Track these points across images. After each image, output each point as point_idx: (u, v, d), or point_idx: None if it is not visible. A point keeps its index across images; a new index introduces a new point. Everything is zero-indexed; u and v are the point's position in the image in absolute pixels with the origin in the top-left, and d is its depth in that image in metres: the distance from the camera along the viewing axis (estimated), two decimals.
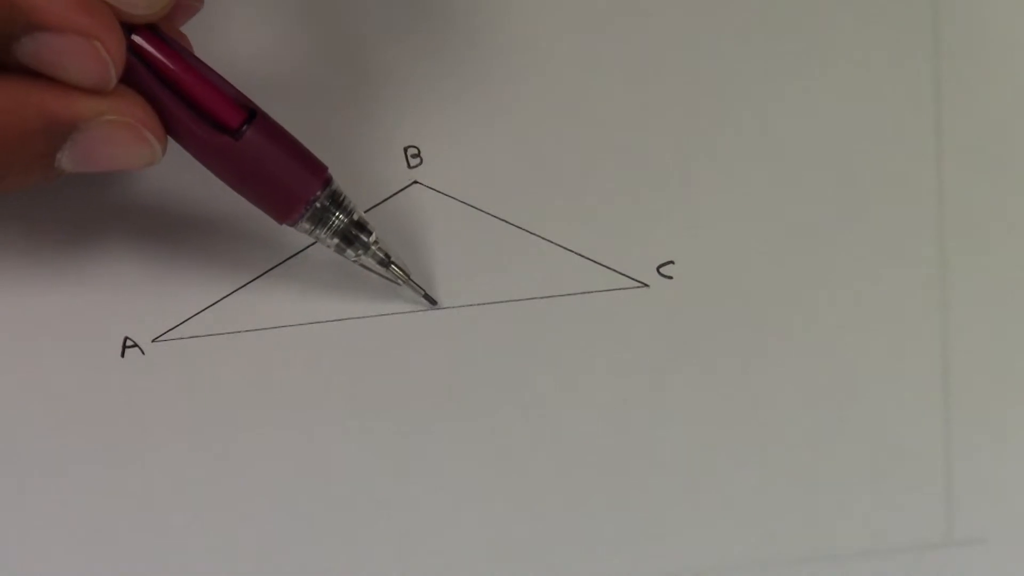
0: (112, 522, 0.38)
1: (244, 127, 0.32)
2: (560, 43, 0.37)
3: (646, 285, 0.39)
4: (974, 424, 0.40)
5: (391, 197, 0.38)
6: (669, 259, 0.39)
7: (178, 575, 0.38)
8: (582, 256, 0.38)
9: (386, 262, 0.36)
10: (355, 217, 0.35)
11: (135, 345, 0.38)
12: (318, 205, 0.34)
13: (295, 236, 0.37)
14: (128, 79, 0.31)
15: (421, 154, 0.37)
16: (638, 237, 0.38)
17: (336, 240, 0.35)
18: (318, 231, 0.35)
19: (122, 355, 0.38)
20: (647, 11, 0.38)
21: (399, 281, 0.37)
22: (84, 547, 0.38)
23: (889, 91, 0.38)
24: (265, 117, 0.33)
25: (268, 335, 0.38)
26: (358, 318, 0.38)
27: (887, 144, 0.39)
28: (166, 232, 0.38)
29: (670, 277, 0.39)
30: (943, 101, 0.38)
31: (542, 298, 0.38)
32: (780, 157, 0.38)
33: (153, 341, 0.38)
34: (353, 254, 0.36)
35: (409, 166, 0.37)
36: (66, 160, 0.31)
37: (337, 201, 0.34)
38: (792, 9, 0.38)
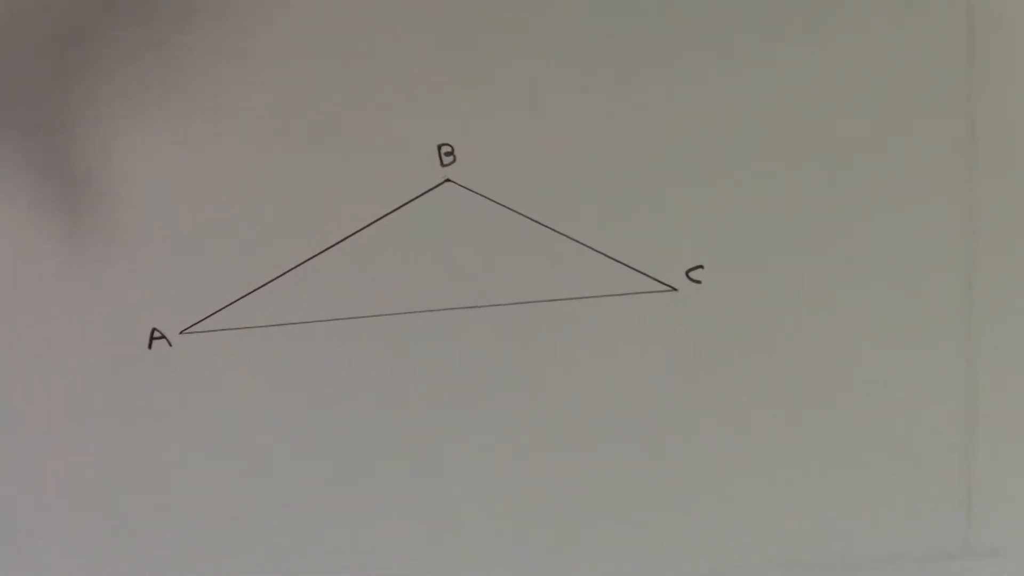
0: (134, 512, 0.38)
1: None
2: (594, 46, 0.37)
3: (674, 289, 0.39)
4: (997, 436, 0.40)
5: (423, 195, 0.37)
6: (698, 264, 0.39)
7: (198, 563, 0.39)
8: (611, 259, 0.38)
9: None
10: None
11: (162, 336, 0.38)
12: None
13: (325, 232, 0.37)
14: None
15: (455, 152, 0.37)
16: (668, 241, 0.38)
17: None
18: None
19: (149, 346, 0.38)
20: (683, 15, 0.37)
21: None
22: (106, 534, 0.38)
23: (922, 100, 0.38)
24: None
25: (295, 330, 0.38)
26: (386, 315, 0.38)
27: (920, 153, 0.39)
28: (197, 225, 0.37)
29: (698, 282, 0.39)
30: (976, 109, 0.38)
31: (570, 299, 0.38)
32: (813, 165, 0.38)
33: (181, 333, 0.38)
34: None
35: (442, 164, 0.37)
36: None
37: None
38: (826, 15, 0.38)
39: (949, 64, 0.38)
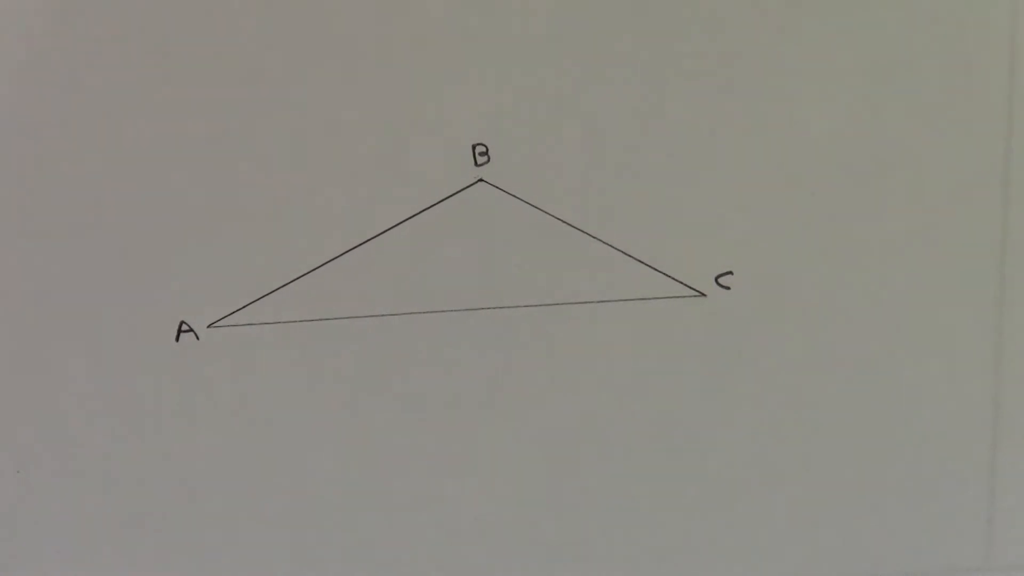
0: (158, 506, 0.38)
1: None
2: (630, 50, 0.37)
3: (703, 294, 0.39)
4: (1020, 451, 0.40)
5: (456, 194, 0.37)
6: (728, 269, 0.39)
7: (220, 558, 0.38)
8: (641, 263, 0.38)
9: None
10: None
11: (190, 330, 0.37)
12: None
13: (353, 230, 0.37)
14: None
15: (489, 152, 0.37)
16: (698, 246, 0.38)
17: None
18: None
19: (176, 339, 0.37)
20: (720, 22, 0.38)
21: None
22: (129, 527, 0.38)
23: (960, 113, 0.38)
24: None
25: (323, 326, 0.38)
26: (412, 313, 0.38)
27: (954, 166, 0.39)
28: (228, 218, 0.37)
29: (728, 288, 0.39)
30: (1015, 126, 0.38)
31: (599, 302, 0.38)
32: (845, 173, 0.38)
33: (208, 327, 0.37)
34: None
35: (476, 164, 0.37)
36: None
37: None
38: (864, 26, 0.38)
39: (989, 73, 0.38)
